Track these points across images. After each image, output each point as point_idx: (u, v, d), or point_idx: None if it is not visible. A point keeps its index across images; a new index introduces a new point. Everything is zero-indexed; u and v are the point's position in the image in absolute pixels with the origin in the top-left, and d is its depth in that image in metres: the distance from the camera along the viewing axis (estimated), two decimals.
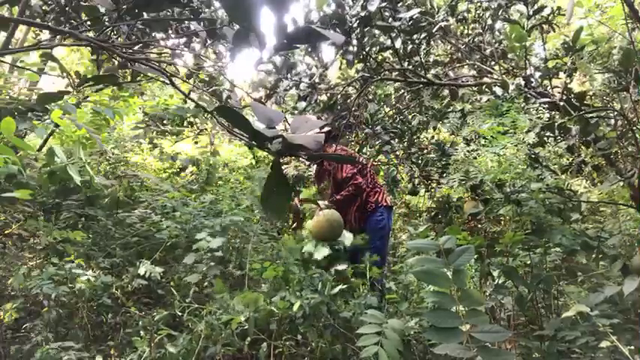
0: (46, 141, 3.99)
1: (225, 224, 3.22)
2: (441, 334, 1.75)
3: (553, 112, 3.02)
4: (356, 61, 3.58)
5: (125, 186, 4.12)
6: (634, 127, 2.53)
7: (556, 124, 2.78)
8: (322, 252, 2.81)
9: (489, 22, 3.70)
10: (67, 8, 2.78)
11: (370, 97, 4.45)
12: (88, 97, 3.72)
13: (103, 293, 3.08)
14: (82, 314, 3.02)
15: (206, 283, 3.08)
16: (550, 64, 3.14)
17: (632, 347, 1.98)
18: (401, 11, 3.21)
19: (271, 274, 2.76)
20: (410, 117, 4.52)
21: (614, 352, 2.04)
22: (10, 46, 2.56)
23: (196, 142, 5.74)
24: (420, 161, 4.36)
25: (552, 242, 2.66)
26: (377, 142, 4.12)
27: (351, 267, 2.96)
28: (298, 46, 2.84)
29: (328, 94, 4.16)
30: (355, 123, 4.27)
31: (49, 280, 2.90)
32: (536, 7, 3.06)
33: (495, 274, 2.93)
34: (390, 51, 3.72)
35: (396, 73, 3.62)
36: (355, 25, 3.23)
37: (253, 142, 1.24)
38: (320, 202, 3.36)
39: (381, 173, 4.98)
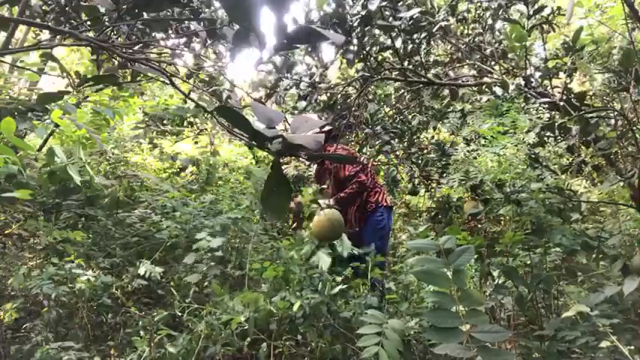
0: (46, 141, 3.99)
1: (224, 223, 3.21)
2: (441, 334, 1.74)
3: (553, 112, 3.02)
4: (356, 61, 3.57)
5: (125, 186, 4.12)
6: (634, 127, 2.53)
7: (556, 124, 2.78)
8: (326, 261, 2.81)
9: (489, 22, 3.69)
10: (67, 8, 2.78)
11: (370, 96, 4.45)
12: (88, 97, 3.72)
13: (103, 293, 3.08)
14: (82, 314, 3.02)
15: (206, 283, 3.08)
16: (550, 64, 3.13)
17: (632, 347, 1.98)
18: (401, 11, 3.21)
19: (271, 274, 2.75)
20: (410, 117, 4.52)
21: (614, 352, 2.04)
22: (10, 46, 2.56)
23: (196, 142, 5.72)
24: (420, 161, 4.37)
25: (552, 242, 2.66)
26: (377, 142, 4.12)
27: (351, 267, 2.96)
28: (298, 46, 2.84)
29: (328, 94, 4.16)
30: (355, 123, 4.27)
31: (49, 280, 2.90)
32: (536, 7, 3.06)
33: (495, 274, 2.93)
34: (391, 50, 3.71)
35: (396, 72, 3.62)
36: (355, 24, 3.23)
37: (253, 142, 1.24)
38: (321, 201, 3.35)
39: (381, 173, 4.98)
